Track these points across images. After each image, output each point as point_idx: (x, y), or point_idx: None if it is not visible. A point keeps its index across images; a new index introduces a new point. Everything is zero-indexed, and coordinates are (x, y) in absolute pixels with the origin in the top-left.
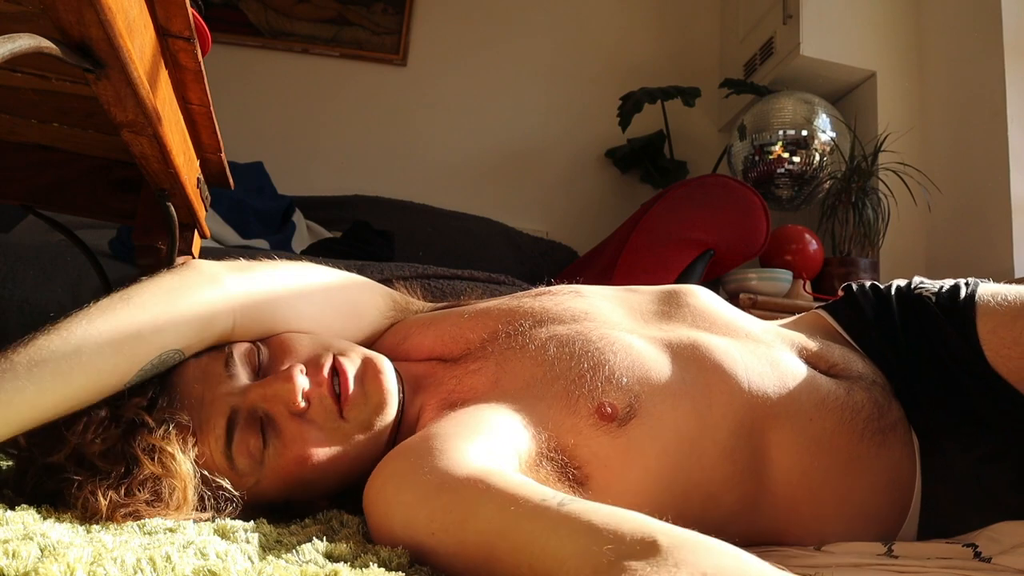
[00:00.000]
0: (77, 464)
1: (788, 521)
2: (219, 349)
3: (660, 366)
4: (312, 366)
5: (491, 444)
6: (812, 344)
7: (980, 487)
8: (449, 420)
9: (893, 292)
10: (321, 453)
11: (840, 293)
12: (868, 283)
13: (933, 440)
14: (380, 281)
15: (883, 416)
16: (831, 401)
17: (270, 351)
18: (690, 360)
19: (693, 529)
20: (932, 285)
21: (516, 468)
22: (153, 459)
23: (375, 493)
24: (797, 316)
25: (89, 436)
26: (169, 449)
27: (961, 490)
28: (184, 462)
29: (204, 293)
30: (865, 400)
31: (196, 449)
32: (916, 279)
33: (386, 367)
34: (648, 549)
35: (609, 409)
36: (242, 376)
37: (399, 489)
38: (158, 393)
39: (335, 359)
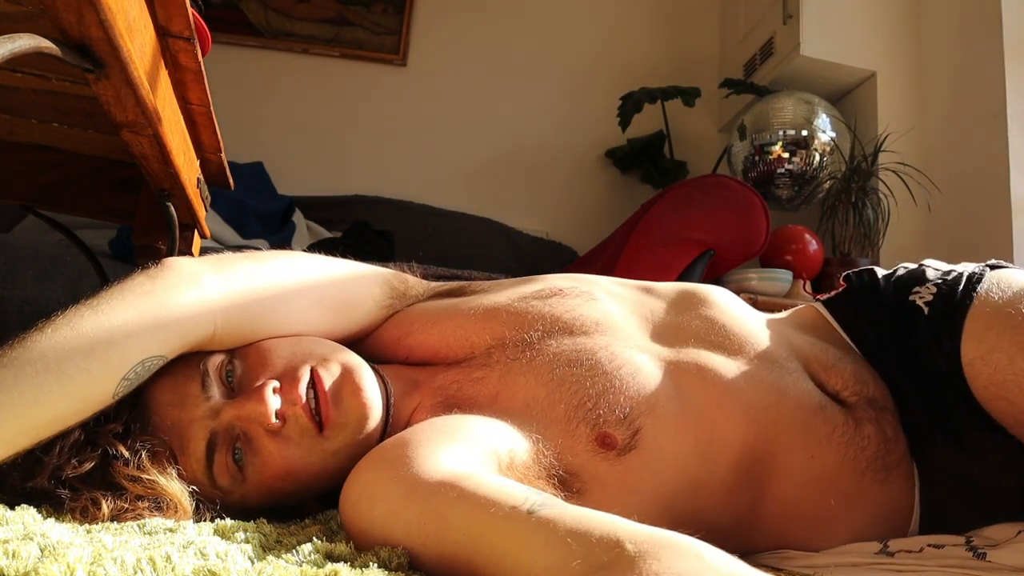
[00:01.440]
0: (61, 487)
1: (782, 539)
2: (193, 366)
3: (666, 395)
4: (287, 381)
5: (466, 448)
6: (824, 357)
7: (975, 509)
8: (425, 426)
9: (892, 284)
10: (302, 468)
11: (842, 284)
12: (867, 273)
13: (931, 463)
14: None
15: (889, 452)
16: (837, 436)
17: (245, 364)
18: (697, 389)
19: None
20: (930, 286)
21: (494, 471)
22: (139, 485)
23: (350, 507)
24: (795, 309)
25: (66, 458)
26: (148, 477)
27: (957, 513)
28: (169, 483)
29: (183, 295)
30: (873, 434)
31: (177, 470)
32: (924, 263)
33: (366, 382)
34: (615, 560)
35: (609, 440)
36: (217, 395)
37: (372, 503)
38: (131, 418)
39: (313, 372)
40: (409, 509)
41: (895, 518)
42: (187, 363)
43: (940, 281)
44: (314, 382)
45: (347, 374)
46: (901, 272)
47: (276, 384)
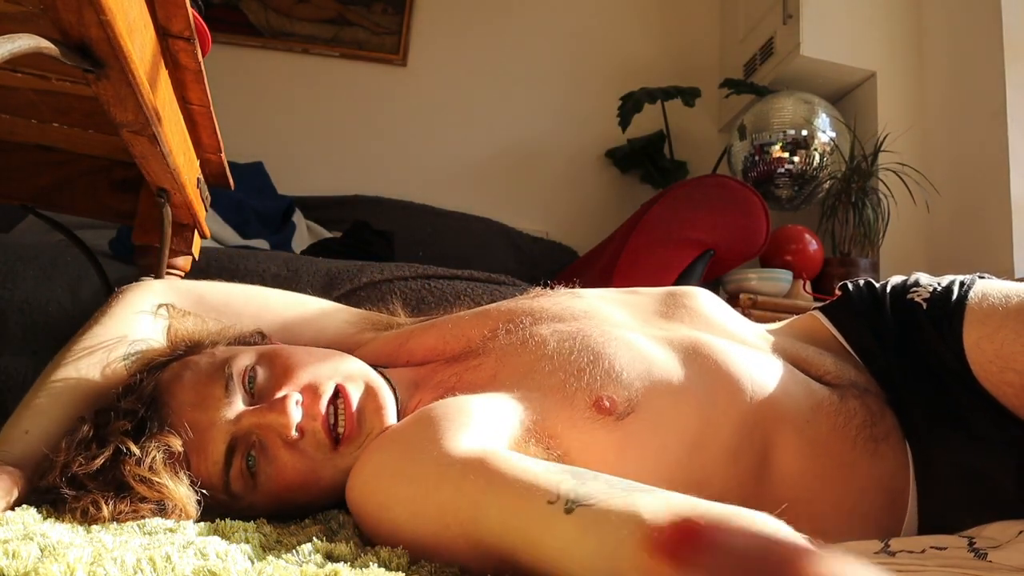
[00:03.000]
0: (69, 484)
1: (786, 522)
2: (218, 368)
3: (662, 362)
4: (310, 395)
5: (481, 428)
6: (804, 352)
7: (975, 498)
8: (437, 407)
9: (888, 292)
10: (313, 480)
11: (837, 293)
12: (863, 282)
13: (927, 450)
14: (380, 281)
15: (875, 424)
16: (826, 405)
17: (270, 372)
18: (693, 358)
19: None
20: (927, 287)
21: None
22: (147, 487)
23: (366, 487)
24: (792, 319)
25: (74, 455)
26: (157, 480)
27: (957, 501)
28: (178, 487)
29: (131, 294)
30: (858, 407)
31: (190, 473)
32: (914, 276)
33: (387, 398)
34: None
35: (607, 403)
36: (239, 401)
37: (394, 483)
38: (148, 415)
39: (339, 387)
40: (439, 492)
41: (890, 494)
42: (212, 365)
43: (935, 285)
44: (338, 398)
45: (370, 393)
46: (895, 281)
47: (299, 397)
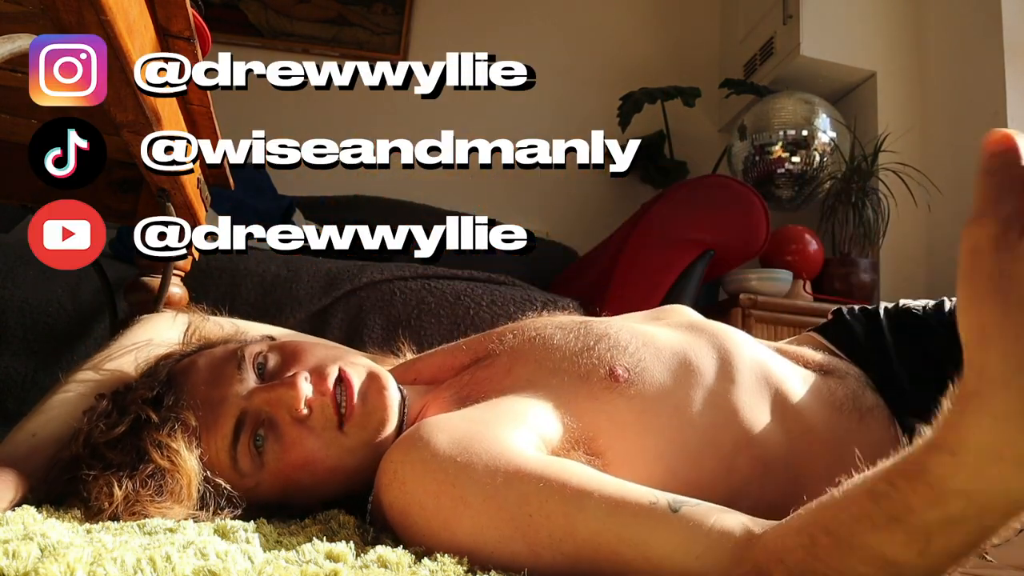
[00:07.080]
0: (91, 455)
1: (792, 490)
2: (231, 351)
3: (664, 336)
4: (317, 375)
5: (528, 434)
6: (789, 348)
7: None
8: (477, 408)
9: (883, 310)
10: (320, 461)
11: (830, 316)
12: (857, 307)
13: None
14: (380, 281)
15: (858, 398)
16: (810, 380)
17: (279, 358)
18: (691, 330)
19: (707, 499)
20: (919, 303)
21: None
22: (160, 453)
23: (413, 488)
24: (791, 339)
25: (95, 423)
26: (174, 446)
27: None
28: (189, 459)
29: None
30: (838, 386)
31: (200, 448)
32: (901, 303)
33: (390, 383)
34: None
35: (621, 370)
36: (251, 380)
37: (455, 487)
38: (164, 391)
39: (341, 370)
40: (507, 495)
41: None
42: (225, 351)
43: (927, 302)
44: (341, 379)
45: (373, 377)
46: (887, 304)
47: (308, 375)
